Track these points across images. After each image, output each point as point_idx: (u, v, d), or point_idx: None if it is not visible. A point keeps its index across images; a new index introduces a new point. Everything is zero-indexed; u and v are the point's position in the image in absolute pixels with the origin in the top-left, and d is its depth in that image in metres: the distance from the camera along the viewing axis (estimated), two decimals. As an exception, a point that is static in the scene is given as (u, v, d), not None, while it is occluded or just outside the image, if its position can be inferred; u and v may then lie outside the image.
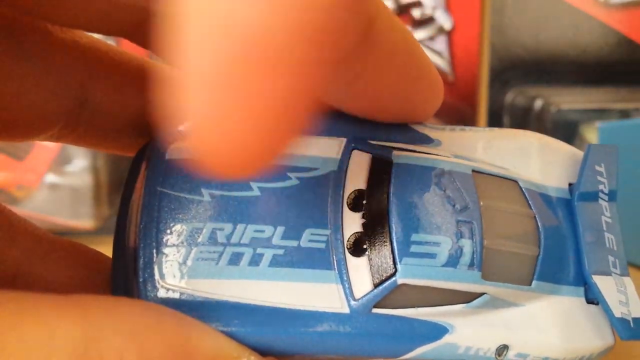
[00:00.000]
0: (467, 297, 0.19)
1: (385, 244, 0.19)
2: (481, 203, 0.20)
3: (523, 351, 0.20)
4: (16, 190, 0.43)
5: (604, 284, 0.21)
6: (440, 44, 0.55)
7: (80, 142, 0.22)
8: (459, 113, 0.55)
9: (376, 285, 0.18)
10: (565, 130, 0.53)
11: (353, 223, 0.19)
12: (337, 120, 0.20)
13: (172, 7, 0.11)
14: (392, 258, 0.19)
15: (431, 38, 0.55)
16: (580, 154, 0.23)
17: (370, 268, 0.19)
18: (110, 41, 0.41)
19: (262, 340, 0.17)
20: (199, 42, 0.11)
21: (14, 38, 0.19)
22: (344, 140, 0.20)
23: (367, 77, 0.18)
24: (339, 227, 0.19)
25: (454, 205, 0.20)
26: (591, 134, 0.51)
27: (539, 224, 0.21)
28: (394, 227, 0.19)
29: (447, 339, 0.19)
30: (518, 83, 0.55)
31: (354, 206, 0.19)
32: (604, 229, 0.22)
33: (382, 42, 0.17)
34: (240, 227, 0.18)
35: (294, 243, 0.19)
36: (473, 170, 0.20)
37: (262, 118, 0.11)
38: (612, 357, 0.22)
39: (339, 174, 0.20)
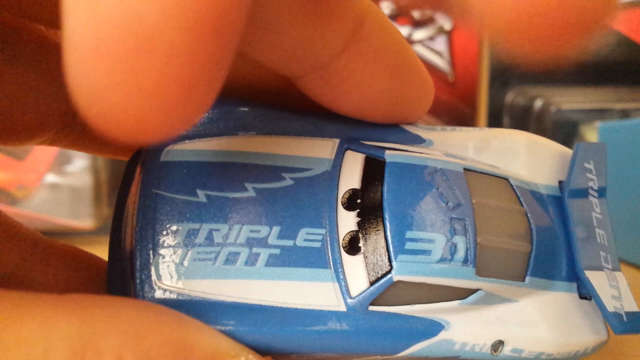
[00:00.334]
0: (462, 294, 0.19)
1: (380, 242, 0.19)
2: (473, 200, 0.20)
3: (518, 346, 0.20)
4: (16, 190, 0.43)
5: (597, 279, 0.21)
6: (440, 44, 0.55)
7: (74, 146, 0.22)
8: (459, 113, 0.55)
9: (372, 283, 0.19)
10: (565, 130, 0.52)
11: (348, 222, 0.19)
12: (330, 121, 0.20)
13: None
14: (387, 256, 0.19)
15: (431, 38, 0.55)
16: (568, 151, 0.23)
17: (366, 266, 0.19)
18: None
19: (259, 339, 0.17)
20: (76, 17, 0.10)
21: (8, 42, 0.19)
22: (337, 141, 0.20)
23: (358, 77, 0.18)
24: (334, 226, 0.19)
25: (447, 203, 0.20)
26: (591, 134, 0.51)
27: (531, 220, 0.21)
28: (388, 225, 0.19)
29: (443, 335, 0.19)
30: (518, 83, 0.55)
31: (349, 205, 0.20)
32: (595, 225, 0.22)
33: (371, 42, 0.17)
34: (236, 227, 0.18)
35: (290, 242, 0.19)
36: (465, 169, 0.21)
37: (141, 98, 0.11)
38: (605, 353, 0.22)
39: (333, 174, 0.20)
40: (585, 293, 0.21)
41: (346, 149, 0.20)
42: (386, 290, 0.19)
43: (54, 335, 0.14)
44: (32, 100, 0.19)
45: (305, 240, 0.19)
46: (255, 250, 0.18)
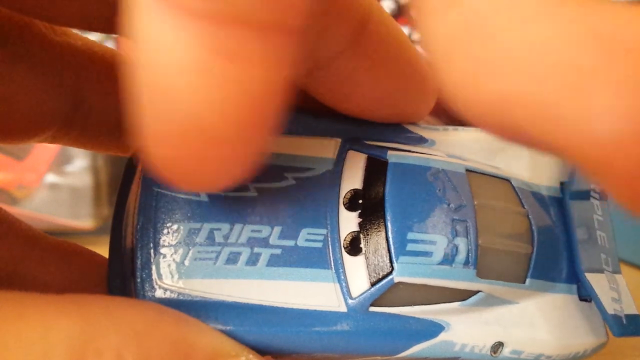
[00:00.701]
0: (462, 295, 0.19)
1: (382, 242, 0.19)
2: (475, 202, 0.20)
3: (518, 348, 0.20)
4: (16, 190, 0.43)
5: (597, 282, 0.21)
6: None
7: (76, 143, 0.22)
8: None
9: (373, 284, 0.19)
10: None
11: (349, 222, 0.19)
12: (332, 120, 0.20)
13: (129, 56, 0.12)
14: (388, 257, 0.19)
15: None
16: None
17: (367, 267, 0.19)
18: (109, 40, 0.42)
19: (260, 339, 0.17)
20: (140, 96, 0.12)
21: (8, 40, 0.19)
22: (339, 140, 0.20)
23: (361, 76, 0.18)
24: (335, 227, 0.19)
25: (448, 204, 0.20)
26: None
27: (532, 222, 0.21)
28: (390, 226, 0.19)
29: (443, 336, 0.19)
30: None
31: (350, 206, 0.20)
32: (596, 227, 0.22)
33: (375, 41, 0.17)
34: (237, 227, 0.18)
35: (291, 243, 0.19)
36: (467, 170, 0.21)
37: (203, 174, 0.13)
38: (604, 354, 0.22)
39: (334, 174, 0.20)
40: (585, 295, 0.21)
41: (348, 149, 0.20)
42: (387, 291, 0.19)
43: (54, 335, 0.13)
44: (32, 99, 0.19)
45: (307, 240, 0.19)
46: (256, 250, 0.18)
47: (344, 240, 0.19)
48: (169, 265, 0.18)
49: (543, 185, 0.22)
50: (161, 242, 0.18)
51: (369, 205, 0.19)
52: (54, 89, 0.20)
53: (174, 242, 0.18)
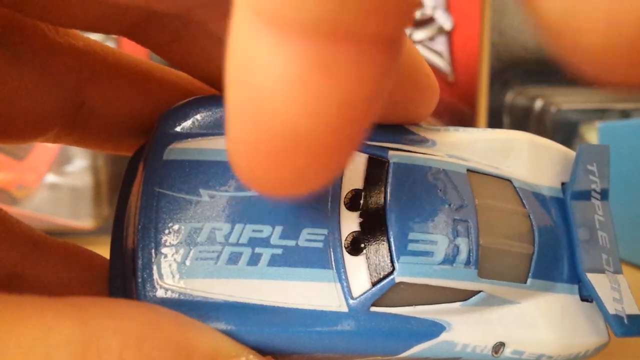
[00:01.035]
0: (463, 295, 0.19)
1: (383, 242, 0.19)
2: (476, 202, 0.20)
3: (519, 348, 0.20)
4: (16, 190, 0.43)
5: (598, 282, 0.21)
6: (440, 44, 0.55)
7: (77, 143, 0.22)
8: (459, 113, 0.55)
9: (374, 284, 0.19)
10: (565, 130, 0.52)
11: (350, 222, 0.19)
12: None
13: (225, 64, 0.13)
14: (389, 256, 0.19)
15: (431, 38, 0.55)
16: (571, 153, 0.23)
17: (368, 267, 0.19)
18: (110, 41, 0.42)
19: (260, 339, 0.17)
20: (234, 113, 0.13)
21: (10, 41, 0.19)
22: None
23: None
24: (336, 227, 0.19)
25: (449, 204, 0.20)
26: (591, 134, 0.51)
27: (533, 222, 0.21)
28: (391, 225, 0.19)
29: (444, 336, 0.19)
30: (518, 83, 0.55)
31: (352, 206, 0.19)
32: (597, 227, 0.22)
33: None
34: (238, 226, 0.18)
35: (292, 242, 0.19)
36: (468, 170, 0.21)
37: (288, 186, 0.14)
38: (605, 355, 0.22)
39: None
40: (587, 295, 0.21)
41: None
42: (388, 291, 0.19)
43: (55, 338, 0.13)
44: (34, 99, 0.19)
45: (308, 240, 0.19)
46: (257, 250, 0.18)
47: (345, 240, 0.19)
48: (170, 265, 0.18)
49: (544, 186, 0.22)
50: (162, 242, 0.18)
51: (370, 205, 0.19)
52: (56, 90, 0.20)
53: (175, 242, 0.18)
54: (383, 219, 0.19)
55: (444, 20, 0.54)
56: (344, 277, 0.19)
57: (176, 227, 0.18)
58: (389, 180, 0.20)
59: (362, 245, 0.19)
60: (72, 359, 0.13)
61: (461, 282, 0.19)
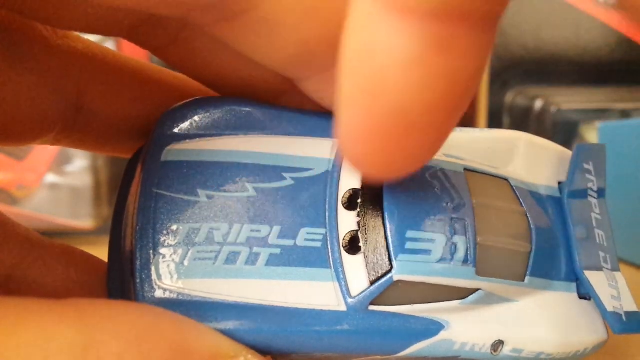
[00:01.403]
0: (462, 293, 0.19)
1: (381, 241, 0.19)
2: (474, 200, 0.20)
3: (518, 346, 0.20)
4: (16, 190, 0.43)
5: (596, 279, 0.21)
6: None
7: (77, 145, 0.22)
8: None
9: (372, 283, 0.19)
10: (565, 130, 0.52)
11: (348, 222, 0.19)
12: (330, 120, 0.20)
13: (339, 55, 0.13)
14: (387, 255, 0.19)
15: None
16: (568, 153, 0.23)
17: (366, 265, 0.19)
18: (110, 42, 0.42)
19: (259, 338, 0.17)
20: (350, 98, 0.14)
21: (9, 44, 0.19)
22: None
23: None
24: (334, 226, 0.19)
25: (447, 203, 0.20)
26: (591, 134, 0.51)
27: (530, 221, 0.21)
28: (388, 224, 0.19)
29: (443, 335, 0.19)
30: (518, 83, 0.55)
31: (349, 205, 0.20)
32: (594, 225, 0.22)
33: None
34: (236, 227, 0.19)
35: (290, 242, 0.19)
36: (465, 169, 0.21)
37: (397, 164, 0.15)
38: (604, 353, 0.22)
39: (333, 173, 0.20)
40: (585, 293, 0.22)
41: None
42: (386, 290, 0.19)
43: (54, 341, 0.13)
44: (33, 102, 0.19)
45: (306, 240, 0.19)
46: (255, 249, 0.18)
47: (343, 239, 0.19)
48: (169, 266, 0.18)
49: (541, 185, 0.22)
50: (161, 242, 0.18)
51: (368, 205, 0.19)
52: (56, 92, 0.20)
53: (173, 243, 0.18)
54: (381, 218, 0.19)
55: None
56: (342, 276, 0.19)
57: (174, 227, 0.18)
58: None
59: (360, 244, 0.19)
60: None
61: (459, 280, 0.19)
